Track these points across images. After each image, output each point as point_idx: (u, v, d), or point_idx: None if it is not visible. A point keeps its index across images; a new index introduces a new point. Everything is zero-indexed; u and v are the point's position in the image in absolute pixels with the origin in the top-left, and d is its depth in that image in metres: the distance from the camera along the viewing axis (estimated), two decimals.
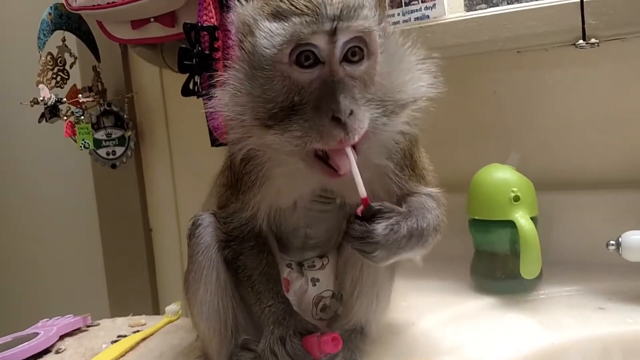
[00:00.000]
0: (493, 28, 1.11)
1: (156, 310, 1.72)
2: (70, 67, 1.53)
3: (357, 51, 0.74)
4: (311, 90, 0.73)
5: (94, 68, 1.60)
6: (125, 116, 1.66)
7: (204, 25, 1.26)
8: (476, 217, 1.11)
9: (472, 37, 1.13)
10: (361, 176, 0.73)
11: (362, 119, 0.72)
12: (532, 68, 1.25)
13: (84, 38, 1.57)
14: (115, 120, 1.68)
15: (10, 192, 2.10)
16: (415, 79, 0.79)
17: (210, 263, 0.88)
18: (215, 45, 1.25)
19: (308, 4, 0.72)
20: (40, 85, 1.44)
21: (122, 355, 1.02)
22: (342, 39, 0.72)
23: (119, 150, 1.70)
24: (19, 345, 1.03)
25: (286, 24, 0.72)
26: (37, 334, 1.08)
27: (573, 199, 1.21)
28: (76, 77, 1.64)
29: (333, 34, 0.71)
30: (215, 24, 1.27)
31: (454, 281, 1.16)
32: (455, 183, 1.18)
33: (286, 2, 0.73)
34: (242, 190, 0.86)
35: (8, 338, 1.08)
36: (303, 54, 0.72)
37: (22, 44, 1.58)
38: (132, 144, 1.70)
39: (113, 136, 1.69)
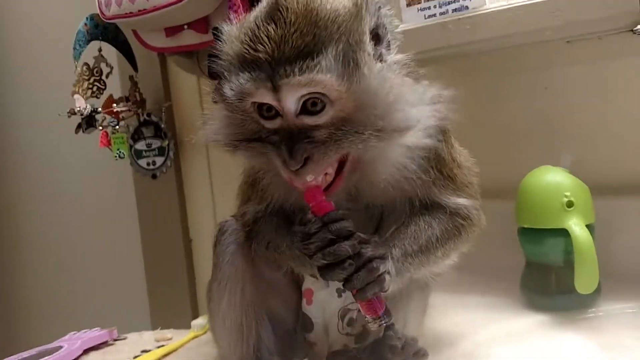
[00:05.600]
0: (539, 16, 1.01)
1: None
2: (107, 77, 1.53)
3: (317, 102, 0.67)
4: (275, 134, 0.71)
5: (131, 78, 1.60)
6: (162, 126, 1.65)
7: None
8: (526, 226, 1.02)
9: (516, 27, 1.03)
10: (372, 192, 0.77)
11: (321, 160, 0.68)
12: (584, 59, 1.14)
13: (120, 48, 1.57)
14: (155, 130, 1.68)
15: (53, 204, 2.14)
16: (407, 105, 0.71)
17: (236, 273, 0.84)
18: None
19: (256, 54, 0.67)
20: (76, 96, 1.45)
21: None
22: (288, 96, 0.67)
23: (159, 160, 1.70)
24: (42, 358, 1.02)
25: (241, 77, 0.68)
26: (61, 347, 1.07)
27: (634, 204, 1.10)
28: (116, 88, 1.65)
29: (275, 90, 0.66)
30: None
31: (502, 296, 1.08)
32: (504, 188, 1.10)
33: (247, 46, 0.68)
34: (259, 187, 0.84)
35: (33, 351, 1.07)
36: (264, 106, 0.70)
37: (60, 56, 1.59)
38: (171, 153, 1.69)
39: (153, 146, 1.68)
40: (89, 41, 1.49)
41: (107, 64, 1.54)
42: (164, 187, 1.75)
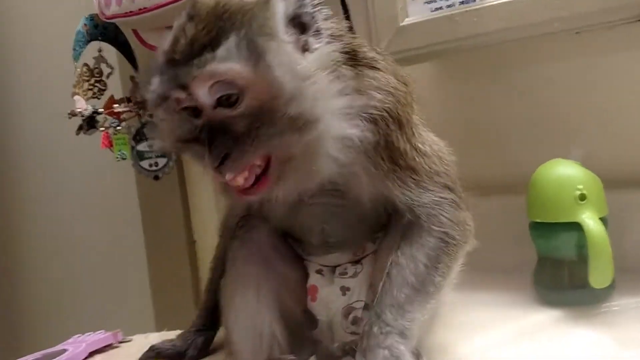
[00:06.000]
0: (547, 8, 0.99)
1: None
2: (107, 77, 1.51)
3: (231, 93, 0.67)
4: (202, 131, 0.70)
5: (132, 78, 1.58)
6: None
7: None
8: (537, 220, 1.00)
9: (523, 19, 1.02)
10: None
11: (240, 158, 0.68)
12: (594, 50, 1.12)
13: (120, 48, 1.55)
14: None
15: (55, 205, 2.12)
16: (320, 93, 0.69)
17: (251, 269, 0.84)
18: None
19: (170, 55, 0.69)
20: (76, 97, 1.42)
21: None
22: (196, 91, 0.67)
23: (161, 161, 1.67)
24: None
25: (155, 81, 0.70)
26: (66, 350, 1.05)
27: None
28: (117, 88, 1.63)
29: (184, 88, 0.67)
30: None
31: (514, 293, 1.05)
32: (514, 183, 1.09)
33: (166, 48, 0.70)
34: None
35: (37, 355, 1.06)
36: (186, 107, 0.70)
37: (60, 57, 1.58)
38: (173, 155, 1.66)
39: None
40: (88, 41, 1.47)
41: (107, 65, 1.52)
42: (167, 189, 1.73)
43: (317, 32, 0.72)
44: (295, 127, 0.67)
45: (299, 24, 0.71)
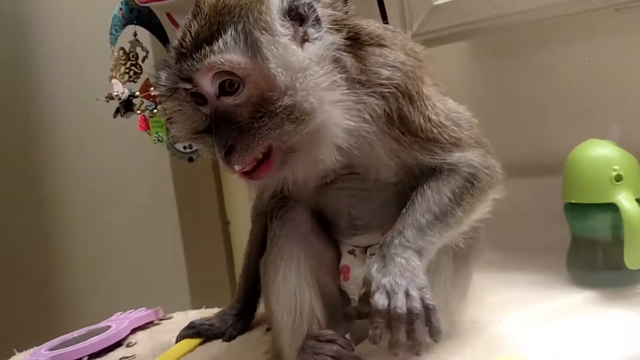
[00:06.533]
0: None
1: None
2: (143, 61, 1.53)
3: (233, 82, 0.71)
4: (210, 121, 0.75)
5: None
6: None
7: None
8: (573, 201, 0.99)
9: None
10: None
11: (245, 150, 0.71)
12: (633, 28, 1.10)
13: (155, 31, 1.56)
14: None
15: (91, 188, 2.16)
16: (315, 87, 0.71)
17: (292, 247, 0.86)
18: None
19: (177, 50, 0.73)
20: (113, 80, 1.45)
21: (191, 350, 1.00)
22: (200, 81, 0.71)
23: None
24: (92, 338, 1.04)
25: (163, 74, 0.75)
26: (110, 327, 1.09)
27: None
28: (152, 71, 1.64)
29: (189, 81, 0.71)
30: None
31: (549, 273, 1.05)
32: (549, 164, 1.08)
33: (174, 43, 0.74)
34: None
35: (82, 331, 1.10)
36: (194, 95, 0.74)
37: (94, 41, 1.60)
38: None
39: None
40: (124, 25, 1.49)
41: (142, 48, 1.54)
42: (201, 170, 1.76)
43: (317, 22, 0.74)
44: (291, 118, 0.70)
45: (297, 15, 0.73)
